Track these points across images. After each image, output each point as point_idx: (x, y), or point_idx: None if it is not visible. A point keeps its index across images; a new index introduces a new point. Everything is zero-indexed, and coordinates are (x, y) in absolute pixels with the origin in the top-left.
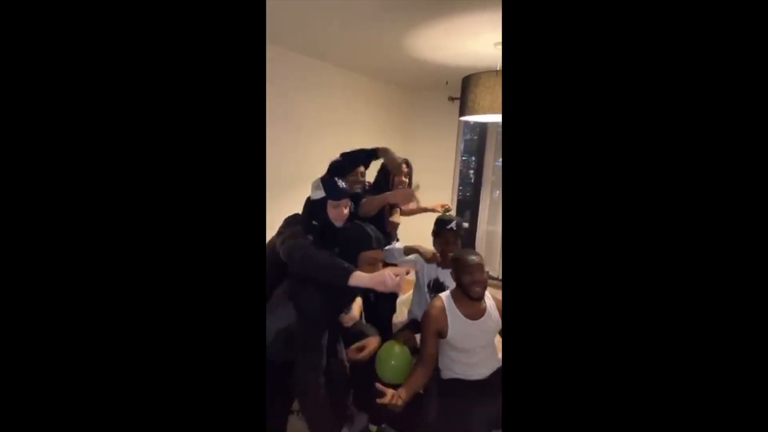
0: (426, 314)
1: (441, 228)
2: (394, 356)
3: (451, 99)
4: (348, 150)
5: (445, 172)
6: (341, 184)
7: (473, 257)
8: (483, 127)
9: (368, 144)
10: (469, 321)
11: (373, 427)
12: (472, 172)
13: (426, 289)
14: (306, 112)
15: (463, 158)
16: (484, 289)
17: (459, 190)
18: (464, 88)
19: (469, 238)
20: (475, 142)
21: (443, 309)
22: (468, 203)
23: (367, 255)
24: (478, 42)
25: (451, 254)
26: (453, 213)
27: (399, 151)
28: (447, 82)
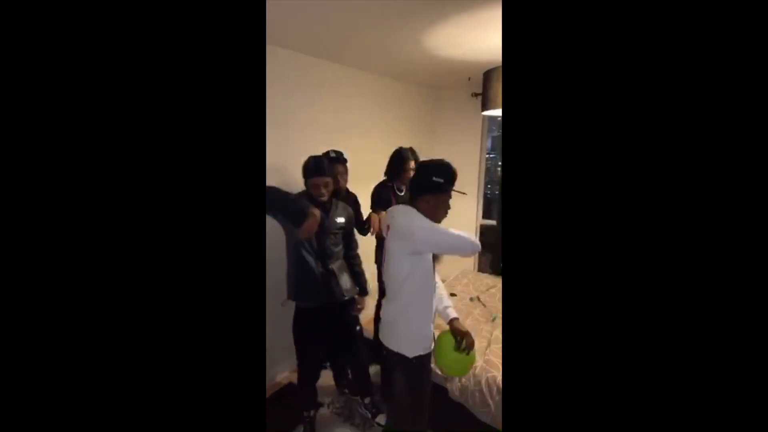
0: None
1: (449, 186)
2: (453, 347)
3: (474, 95)
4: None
5: (470, 169)
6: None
7: None
8: None
9: (392, 145)
10: None
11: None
12: (499, 168)
13: None
14: (326, 116)
15: (491, 155)
16: None
17: (487, 187)
18: (485, 83)
19: (497, 234)
20: (500, 138)
21: None
22: (495, 200)
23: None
24: (499, 35)
25: (443, 219)
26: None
27: (423, 149)
28: (469, 78)
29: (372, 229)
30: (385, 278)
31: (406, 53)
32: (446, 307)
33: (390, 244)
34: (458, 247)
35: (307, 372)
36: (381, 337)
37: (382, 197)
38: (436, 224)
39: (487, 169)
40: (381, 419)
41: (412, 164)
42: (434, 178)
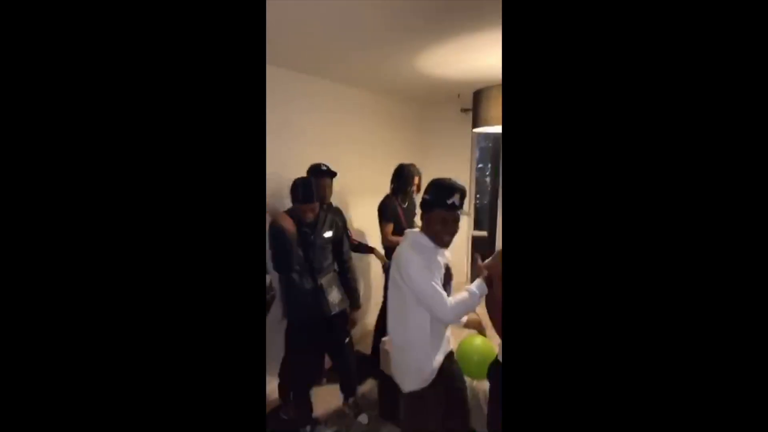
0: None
1: (440, 201)
2: (477, 350)
3: (464, 110)
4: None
5: (462, 182)
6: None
7: None
8: (497, 136)
9: (383, 160)
10: None
11: None
12: (488, 179)
13: None
14: (320, 132)
15: (480, 166)
16: None
17: (476, 198)
18: (476, 102)
19: (489, 244)
20: (489, 149)
21: None
22: (485, 210)
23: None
24: (487, 56)
25: (448, 237)
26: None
27: (415, 164)
28: (459, 95)
29: (384, 240)
30: (387, 306)
31: (398, 72)
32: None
33: (392, 272)
34: (433, 308)
35: (299, 386)
36: (382, 360)
37: (389, 210)
38: (426, 277)
39: (476, 180)
40: (363, 419)
41: (417, 180)
42: (424, 196)
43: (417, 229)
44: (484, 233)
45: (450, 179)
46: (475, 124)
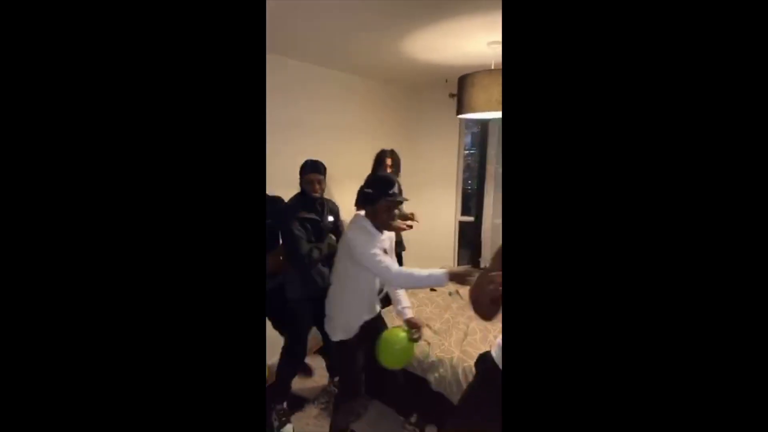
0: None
1: (384, 192)
2: (400, 341)
3: (452, 95)
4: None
5: (449, 166)
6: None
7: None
8: (484, 122)
9: (371, 146)
10: None
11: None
12: (478, 164)
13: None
14: (309, 118)
15: (471, 151)
16: None
17: (468, 183)
18: (460, 88)
19: (475, 230)
20: (478, 135)
21: None
22: (474, 195)
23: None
24: (474, 42)
25: (392, 222)
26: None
27: (403, 148)
28: (447, 80)
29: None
30: (332, 274)
31: (385, 57)
32: (404, 308)
33: (339, 249)
34: (379, 274)
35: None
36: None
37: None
38: (369, 250)
39: (467, 165)
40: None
41: (389, 162)
42: (365, 189)
43: (362, 212)
44: (471, 218)
45: (387, 173)
46: (459, 111)
